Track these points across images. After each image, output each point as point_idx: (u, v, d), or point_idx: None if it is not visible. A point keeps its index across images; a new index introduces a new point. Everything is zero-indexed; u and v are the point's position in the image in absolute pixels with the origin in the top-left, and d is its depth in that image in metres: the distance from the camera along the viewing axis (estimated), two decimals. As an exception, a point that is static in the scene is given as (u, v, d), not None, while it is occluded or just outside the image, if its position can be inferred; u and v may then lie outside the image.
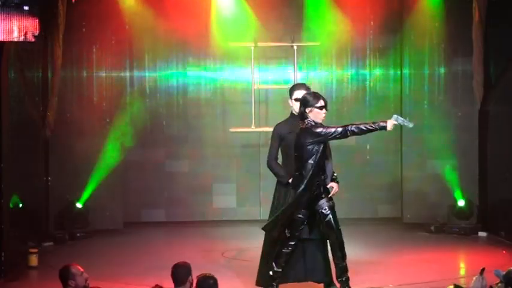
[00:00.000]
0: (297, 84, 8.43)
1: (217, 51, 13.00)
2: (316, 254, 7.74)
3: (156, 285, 5.62)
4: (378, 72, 13.26)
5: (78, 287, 5.66)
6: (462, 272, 9.90)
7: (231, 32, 12.77)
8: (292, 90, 7.94)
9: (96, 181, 12.19)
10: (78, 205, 12.15)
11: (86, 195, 12.19)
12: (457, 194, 12.32)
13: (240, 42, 12.37)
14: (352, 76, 13.30)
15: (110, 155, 12.30)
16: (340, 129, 7.46)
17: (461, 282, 8.25)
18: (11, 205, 9.87)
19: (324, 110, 7.51)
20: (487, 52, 12.13)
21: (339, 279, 7.63)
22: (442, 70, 12.74)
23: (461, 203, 12.29)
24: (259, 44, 12.07)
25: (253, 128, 11.94)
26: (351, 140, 13.01)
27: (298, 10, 13.00)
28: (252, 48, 12.00)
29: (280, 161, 8.03)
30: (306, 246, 7.73)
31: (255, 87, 12.14)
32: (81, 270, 5.71)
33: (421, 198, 12.76)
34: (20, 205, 10.63)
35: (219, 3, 12.88)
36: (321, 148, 7.47)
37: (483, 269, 5.70)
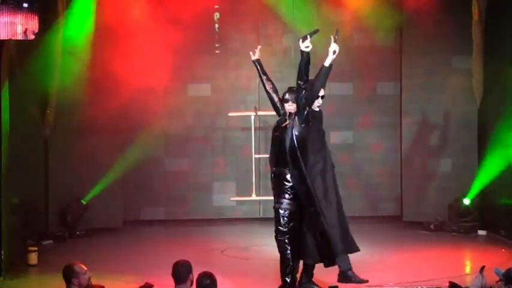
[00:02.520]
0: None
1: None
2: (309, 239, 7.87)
3: (146, 283, 5.63)
4: (377, 71, 13.25)
5: (81, 285, 5.68)
6: (462, 270, 9.88)
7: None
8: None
9: (106, 182, 12.24)
10: (83, 202, 12.17)
11: (93, 193, 12.22)
12: (462, 192, 12.32)
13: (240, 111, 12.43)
14: (352, 75, 13.33)
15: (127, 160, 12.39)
16: None
17: (461, 280, 8.24)
18: (11, 203, 9.86)
19: (286, 103, 7.85)
20: (486, 51, 12.14)
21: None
22: (442, 69, 12.73)
23: (466, 201, 12.28)
24: (260, 113, 12.05)
25: (254, 197, 11.98)
26: (351, 138, 13.08)
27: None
28: (253, 117, 12.03)
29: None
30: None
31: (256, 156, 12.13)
32: (85, 269, 5.74)
33: (420, 197, 12.76)
34: (20, 203, 10.63)
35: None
36: (280, 137, 7.74)
37: (483, 267, 5.71)
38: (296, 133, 7.73)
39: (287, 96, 7.90)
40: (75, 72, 12.07)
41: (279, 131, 7.90)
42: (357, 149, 13.23)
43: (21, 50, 10.62)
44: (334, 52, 7.92)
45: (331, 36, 7.95)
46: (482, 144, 12.36)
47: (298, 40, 7.85)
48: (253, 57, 8.47)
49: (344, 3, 13.08)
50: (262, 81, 8.35)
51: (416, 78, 12.87)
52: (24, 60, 10.92)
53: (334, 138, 12.59)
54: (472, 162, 12.53)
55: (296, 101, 7.81)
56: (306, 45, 7.77)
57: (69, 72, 11.96)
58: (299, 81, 7.79)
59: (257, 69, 8.44)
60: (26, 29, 8.32)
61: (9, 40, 8.83)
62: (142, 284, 5.60)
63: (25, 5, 8.26)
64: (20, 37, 8.43)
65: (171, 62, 12.92)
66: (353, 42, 13.18)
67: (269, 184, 8.12)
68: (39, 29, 8.52)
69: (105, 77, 12.26)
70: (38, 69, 11.56)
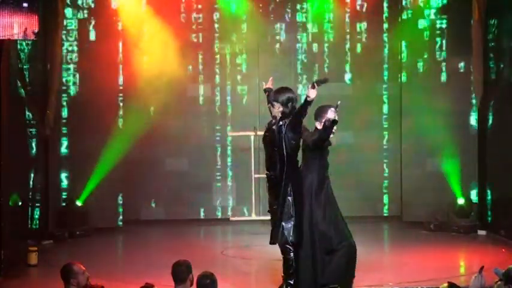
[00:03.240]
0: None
1: None
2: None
3: (146, 283, 5.62)
4: (377, 71, 13.27)
5: (79, 285, 5.66)
6: (461, 270, 9.90)
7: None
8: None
9: (97, 179, 12.20)
10: (78, 203, 12.14)
11: (86, 193, 12.19)
12: (457, 192, 12.33)
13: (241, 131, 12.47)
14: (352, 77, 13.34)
15: (112, 153, 12.33)
16: None
17: (461, 280, 8.25)
18: (10, 203, 9.87)
19: (272, 106, 7.64)
20: (486, 50, 12.14)
21: None
22: (442, 68, 12.72)
23: (460, 201, 12.31)
24: (260, 133, 12.03)
25: (253, 217, 11.97)
26: (350, 138, 13.07)
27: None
28: (252, 137, 11.97)
29: None
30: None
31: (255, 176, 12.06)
32: (83, 269, 5.73)
33: (420, 197, 12.75)
34: (20, 203, 10.63)
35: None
36: (270, 139, 7.67)
37: (482, 268, 5.70)
38: (287, 139, 7.58)
39: (274, 98, 7.61)
40: (76, 72, 12.11)
41: (269, 133, 7.76)
42: (357, 149, 13.22)
43: (21, 50, 10.62)
44: (335, 122, 7.65)
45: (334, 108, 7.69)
46: (482, 144, 12.37)
47: (308, 86, 7.55)
48: (265, 86, 8.29)
49: (345, 2, 13.10)
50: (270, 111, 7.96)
51: (416, 78, 12.86)
52: (25, 60, 10.93)
53: (334, 138, 12.56)
54: (472, 162, 12.52)
55: (283, 103, 7.53)
56: (310, 96, 7.30)
57: (69, 72, 12.00)
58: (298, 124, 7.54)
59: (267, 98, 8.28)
60: (26, 29, 8.32)
61: (10, 40, 8.83)
62: (142, 285, 5.59)
63: (25, 4, 8.25)
64: (20, 37, 8.42)
65: (171, 62, 12.93)
66: (353, 42, 13.19)
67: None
68: (39, 29, 8.52)
69: (106, 77, 12.29)
70: (38, 69, 11.57)
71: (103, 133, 12.28)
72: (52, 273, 7.58)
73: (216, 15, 13.23)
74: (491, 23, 12.03)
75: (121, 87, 12.69)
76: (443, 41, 12.63)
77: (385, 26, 13.21)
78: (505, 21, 11.61)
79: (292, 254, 7.66)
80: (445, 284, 5.36)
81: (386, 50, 13.28)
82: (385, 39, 13.26)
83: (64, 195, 12.19)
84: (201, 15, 13.06)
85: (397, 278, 8.80)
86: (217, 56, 13.28)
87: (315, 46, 13.25)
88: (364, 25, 13.12)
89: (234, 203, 13.26)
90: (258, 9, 13.17)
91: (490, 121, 12.19)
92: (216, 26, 13.25)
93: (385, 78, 13.32)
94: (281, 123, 7.57)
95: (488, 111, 12.22)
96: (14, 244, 9.68)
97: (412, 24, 12.79)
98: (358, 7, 13.13)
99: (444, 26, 12.60)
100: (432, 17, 12.67)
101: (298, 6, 13.28)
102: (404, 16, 12.90)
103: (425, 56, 12.75)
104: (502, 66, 11.81)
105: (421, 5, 12.71)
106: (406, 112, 12.99)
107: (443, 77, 12.71)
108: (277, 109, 7.61)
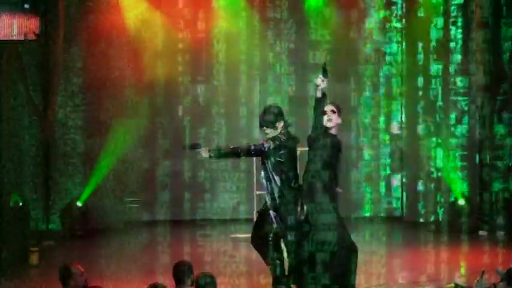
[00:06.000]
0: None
1: None
2: None
3: (156, 282, 5.62)
4: (377, 70, 13.28)
5: (77, 286, 5.66)
6: (462, 271, 9.89)
7: None
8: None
9: (97, 180, 12.21)
10: (79, 204, 12.15)
11: (86, 193, 12.20)
12: (458, 192, 12.33)
13: None
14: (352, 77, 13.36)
15: (111, 154, 12.33)
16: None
17: (462, 281, 8.25)
18: (11, 203, 9.88)
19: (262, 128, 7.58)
20: (487, 50, 12.13)
21: None
22: (442, 68, 12.72)
23: (461, 201, 12.30)
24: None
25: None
26: (350, 138, 13.07)
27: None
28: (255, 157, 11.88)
29: None
30: None
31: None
32: (81, 270, 5.72)
33: (421, 197, 12.76)
34: (20, 204, 10.63)
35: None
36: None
37: (483, 272, 5.71)
38: (272, 161, 7.49)
39: (262, 123, 7.53)
40: (76, 73, 12.12)
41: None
42: (357, 149, 13.23)
43: (22, 51, 10.62)
44: (318, 85, 7.43)
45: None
46: (483, 144, 12.37)
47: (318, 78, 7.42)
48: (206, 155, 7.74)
49: (345, 3, 13.12)
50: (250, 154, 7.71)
51: (417, 78, 12.87)
52: (25, 60, 10.93)
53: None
54: (472, 162, 12.53)
55: (268, 125, 7.49)
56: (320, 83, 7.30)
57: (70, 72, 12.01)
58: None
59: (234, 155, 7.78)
60: (27, 30, 8.34)
61: (10, 40, 8.84)
62: (152, 283, 5.54)
63: (26, 5, 8.27)
64: (21, 37, 8.44)
65: (170, 63, 12.94)
66: (354, 42, 13.20)
67: None
68: (39, 30, 8.53)
69: (106, 78, 12.30)
70: (38, 70, 11.58)
71: (103, 133, 12.29)
72: (53, 274, 7.58)
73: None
74: (491, 23, 12.01)
75: (121, 89, 12.68)
76: (444, 41, 12.61)
77: (387, 24, 13.23)
78: (505, 22, 11.60)
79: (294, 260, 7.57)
80: (452, 285, 5.38)
81: (387, 50, 13.31)
82: (386, 39, 13.27)
83: (64, 195, 12.19)
84: (201, 17, 13.07)
85: (398, 278, 8.80)
86: (219, 57, 13.26)
87: (319, 48, 13.26)
88: (365, 26, 13.13)
89: (234, 203, 13.27)
90: (261, 11, 13.18)
91: (491, 121, 12.18)
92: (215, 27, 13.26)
93: (385, 77, 13.32)
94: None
95: (489, 112, 12.21)
96: (15, 244, 9.68)
97: (412, 23, 12.79)
98: (360, 8, 13.15)
99: (444, 26, 12.57)
100: (433, 15, 12.65)
101: (302, 8, 13.27)
102: (405, 15, 12.91)
103: (426, 56, 12.74)
104: (502, 66, 11.80)
105: (423, 3, 12.70)
106: (407, 112, 13.00)
107: (444, 77, 12.69)
108: (269, 131, 7.54)
